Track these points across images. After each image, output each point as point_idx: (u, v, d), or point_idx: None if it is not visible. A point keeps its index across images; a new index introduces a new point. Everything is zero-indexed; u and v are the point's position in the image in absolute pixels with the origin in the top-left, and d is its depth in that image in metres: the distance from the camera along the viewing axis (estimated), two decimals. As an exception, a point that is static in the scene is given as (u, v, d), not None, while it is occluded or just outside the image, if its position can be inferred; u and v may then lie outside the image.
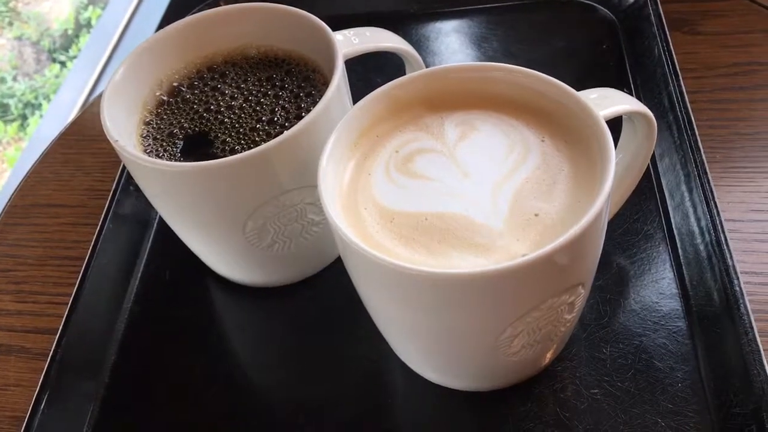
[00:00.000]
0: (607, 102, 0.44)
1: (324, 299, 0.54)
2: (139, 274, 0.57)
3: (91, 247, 0.56)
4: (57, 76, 1.82)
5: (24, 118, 1.79)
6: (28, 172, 0.67)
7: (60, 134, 0.70)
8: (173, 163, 0.44)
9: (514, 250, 0.38)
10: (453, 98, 0.46)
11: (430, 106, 0.46)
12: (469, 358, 0.44)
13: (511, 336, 0.40)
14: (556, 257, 0.36)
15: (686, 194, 0.52)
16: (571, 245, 0.36)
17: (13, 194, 0.65)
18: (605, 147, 0.40)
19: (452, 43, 0.70)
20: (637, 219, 0.53)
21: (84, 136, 0.69)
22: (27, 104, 1.82)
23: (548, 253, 0.36)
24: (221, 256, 0.52)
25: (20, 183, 0.66)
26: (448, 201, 0.41)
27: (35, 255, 0.60)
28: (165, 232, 0.55)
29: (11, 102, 1.80)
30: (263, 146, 0.43)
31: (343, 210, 0.42)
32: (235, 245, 0.49)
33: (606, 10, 0.69)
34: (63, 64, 1.83)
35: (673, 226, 0.52)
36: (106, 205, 0.59)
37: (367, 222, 0.41)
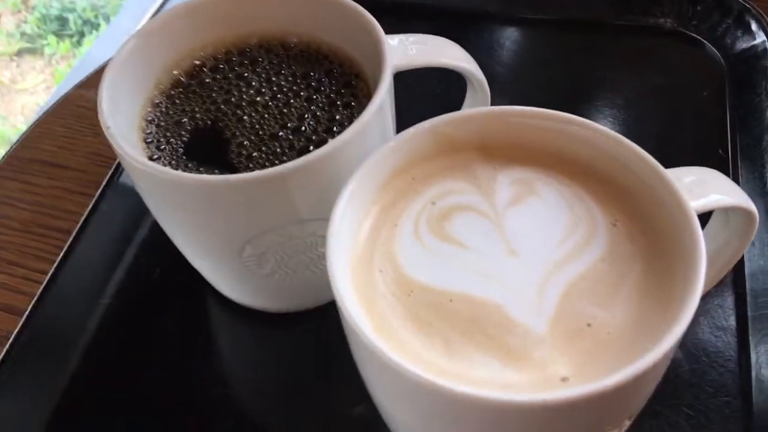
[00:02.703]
0: (702, 189, 0.35)
1: (322, 335, 0.46)
2: (126, 266, 0.50)
3: (78, 226, 0.50)
4: (120, -3, 1.76)
5: (81, 35, 1.75)
6: (38, 120, 0.61)
7: (81, 82, 0.64)
8: (166, 169, 0.37)
9: (553, 370, 0.30)
10: (514, 148, 0.37)
11: (485, 152, 0.38)
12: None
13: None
14: (608, 396, 0.28)
15: (773, 299, 0.43)
16: (630, 383, 0.28)
17: (15, 144, 0.59)
18: (693, 251, 0.31)
19: (527, 56, 0.61)
20: (708, 318, 0.44)
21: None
22: (86, 22, 1.77)
23: (598, 391, 0.28)
24: (214, 271, 0.45)
25: (26, 132, 0.60)
26: (483, 282, 0.33)
27: (21, 218, 0.54)
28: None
29: (71, 17, 1.76)
30: (273, 169, 0.36)
31: (354, 269, 0.34)
32: (229, 266, 0.42)
33: (715, 50, 0.58)
34: (129, -16, 1.77)
35: (750, 338, 0.43)
36: (105, 180, 0.52)
37: (379, 290, 0.33)
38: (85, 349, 0.47)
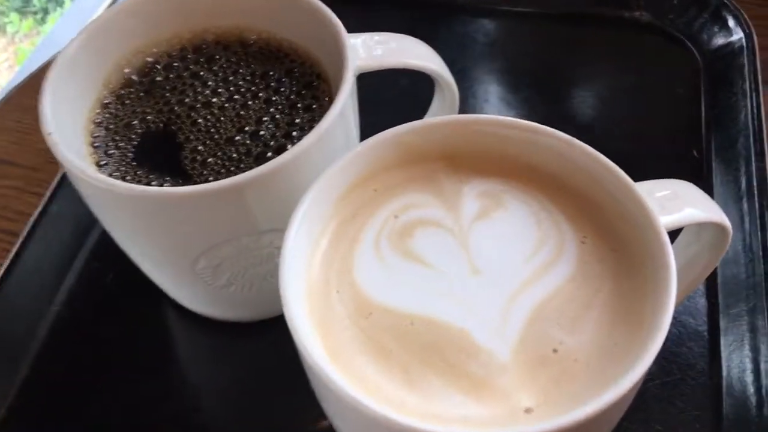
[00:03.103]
0: (674, 204, 0.34)
1: (283, 345, 0.44)
2: (78, 271, 0.48)
3: (27, 228, 0.47)
4: (86, -26, 1.70)
5: (45, 13, 1.69)
6: (-14, 114, 0.58)
7: (32, 74, 0.61)
8: (112, 181, 0.34)
9: (516, 400, 0.29)
10: (480, 158, 0.36)
11: (450, 162, 0.36)
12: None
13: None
14: (574, 429, 0.27)
15: (745, 313, 0.42)
16: (599, 415, 0.27)
17: (-38, 138, 0.56)
18: (664, 272, 0.30)
19: (500, 51, 0.59)
20: (680, 333, 0.43)
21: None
22: (51, -2, 1.71)
23: (564, 426, 0.26)
24: (168, 282, 0.43)
25: (-26, 126, 0.57)
26: (445, 304, 0.31)
27: (-32, 220, 0.51)
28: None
29: (35, -7, 1.70)
30: (228, 180, 0.34)
31: (310, 290, 0.32)
32: (183, 278, 0.40)
33: (692, 47, 0.57)
34: (94, -40, 1.71)
35: (722, 349, 0.42)
36: (57, 180, 0.50)
37: (336, 313, 0.31)
38: (35, 358, 0.44)
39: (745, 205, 0.46)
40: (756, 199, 0.46)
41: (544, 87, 0.56)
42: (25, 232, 0.48)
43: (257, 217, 0.36)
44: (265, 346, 0.45)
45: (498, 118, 0.35)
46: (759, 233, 0.44)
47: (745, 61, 0.53)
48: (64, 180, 0.50)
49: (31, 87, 0.59)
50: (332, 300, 0.32)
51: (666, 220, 0.32)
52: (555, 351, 0.30)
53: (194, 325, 0.46)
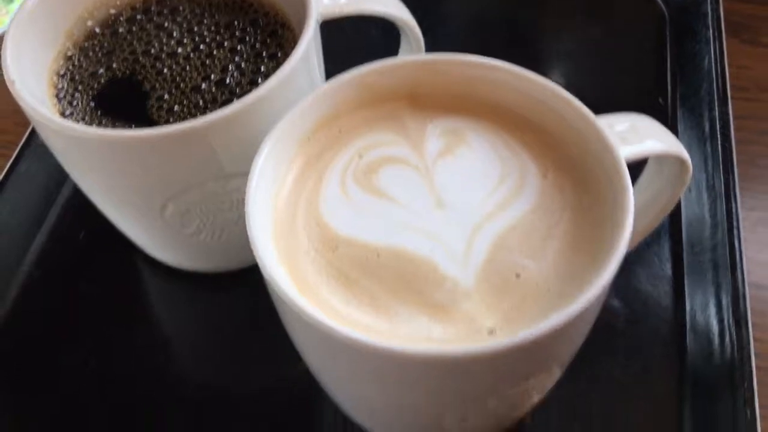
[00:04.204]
0: (635, 137, 0.34)
1: (257, 295, 0.45)
2: (49, 229, 0.48)
3: (-2, 181, 0.47)
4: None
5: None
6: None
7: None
8: (75, 125, 0.34)
9: (480, 323, 0.29)
10: (444, 97, 0.36)
11: (414, 102, 0.36)
12: (407, 429, 0.36)
13: (461, 417, 0.32)
14: (533, 346, 0.27)
15: (708, 250, 0.43)
16: (556, 332, 0.28)
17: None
18: (621, 199, 0.31)
19: (465, 12, 0.59)
20: (644, 268, 0.44)
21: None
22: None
23: (523, 341, 0.27)
24: (139, 233, 0.43)
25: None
26: (411, 236, 0.32)
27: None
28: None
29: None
30: (192, 122, 0.34)
31: (276, 226, 0.32)
32: (153, 227, 0.40)
33: (659, 1, 0.57)
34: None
35: (685, 286, 0.43)
36: (24, 138, 0.50)
37: (302, 248, 0.32)
38: (6, 321, 0.44)
39: (709, 148, 0.47)
40: (719, 141, 0.47)
41: (509, 40, 0.56)
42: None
43: (222, 161, 0.36)
44: (238, 296, 0.45)
45: (461, 56, 0.35)
46: (722, 174, 0.45)
47: (709, 10, 0.54)
48: (31, 140, 0.50)
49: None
50: (299, 235, 0.32)
51: (626, 151, 0.33)
52: (517, 276, 0.31)
53: (168, 278, 0.46)
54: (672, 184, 0.38)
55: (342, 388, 0.34)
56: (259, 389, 0.42)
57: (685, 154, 0.36)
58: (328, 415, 0.40)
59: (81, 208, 0.48)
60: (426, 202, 0.33)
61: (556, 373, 0.33)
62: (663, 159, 0.38)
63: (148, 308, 0.46)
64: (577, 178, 0.33)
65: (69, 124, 0.35)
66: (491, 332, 0.29)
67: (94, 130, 0.34)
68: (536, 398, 0.35)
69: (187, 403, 0.41)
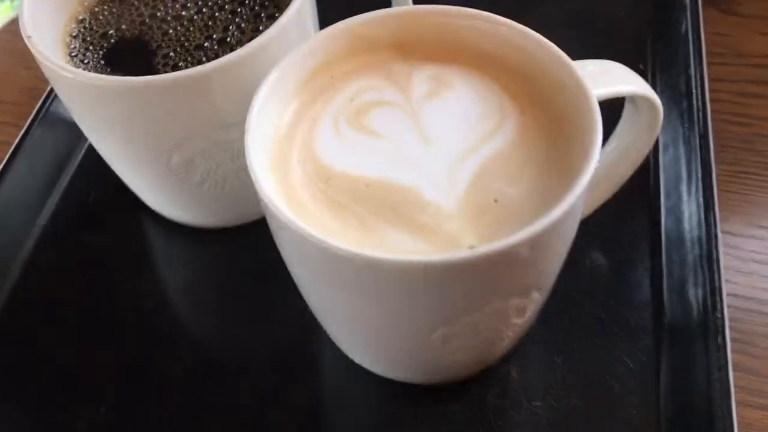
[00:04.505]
0: (606, 78, 0.37)
1: (260, 250, 0.47)
2: (62, 190, 0.51)
3: (12, 149, 0.50)
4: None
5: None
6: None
7: (9, 21, 0.63)
8: (86, 72, 0.37)
9: (460, 241, 0.32)
10: (429, 46, 0.39)
11: (401, 51, 0.39)
12: (397, 350, 0.38)
13: (445, 336, 0.34)
14: (504, 256, 0.30)
15: (684, 195, 0.46)
16: (530, 243, 0.30)
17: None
18: (591, 129, 0.33)
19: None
20: (624, 216, 0.47)
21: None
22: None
23: (496, 251, 0.29)
24: (146, 185, 0.46)
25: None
26: (397, 168, 0.34)
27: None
28: (99, 148, 0.48)
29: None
30: (195, 68, 0.37)
31: (273, 159, 0.35)
32: (160, 177, 0.43)
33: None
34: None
35: (662, 231, 0.46)
36: (38, 105, 0.52)
37: (297, 178, 0.34)
38: (23, 268, 0.47)
39: (685, 104, 0.49)
40: (694, 98, 0.49)
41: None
42: (6, 157, 0.50)
43: (223, 108, 0.39)
44: (239, 251, 0.48)
45: (446, 7, 0.38)
46: (696, 126, 0.48)
47: (686, -20, 0.56)
48: (45, 107, 0.53)
49: (10, 31, 0.62)
50: (294, 168, 0.35)
51: (596, 89, 0.35)
52: (496, 201, 0.33)
53: (173, 233, 0.49)
54: (647, 129, 0.41)
55: (333, 311, 0.37)
56: (259, 342, 0.44)
57: (654, 95, 0.38)
58: (330, 360, 0.43)
59: (94, 172, 0.51)
60: (412, 139, 0.35)
61: (536, 298, 0.36)
62: (637, 106, 0.40)
63: (152, 260, 0.49)
64: (552, 115, 0.36)
65: (81, 71, 0.37)
66: (471, 247, 0.31)
67: (105, 77, 0.37)
68: (517, 328, 0.38)
69: (187, 350, 0.44)
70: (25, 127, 0.52)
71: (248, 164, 0.32)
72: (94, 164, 0.51)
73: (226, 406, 0.41)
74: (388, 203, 0.33)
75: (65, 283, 0.47)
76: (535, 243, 0.30)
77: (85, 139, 0.53)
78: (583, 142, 0.33)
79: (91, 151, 0.52)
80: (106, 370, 0.43)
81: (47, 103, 0.53)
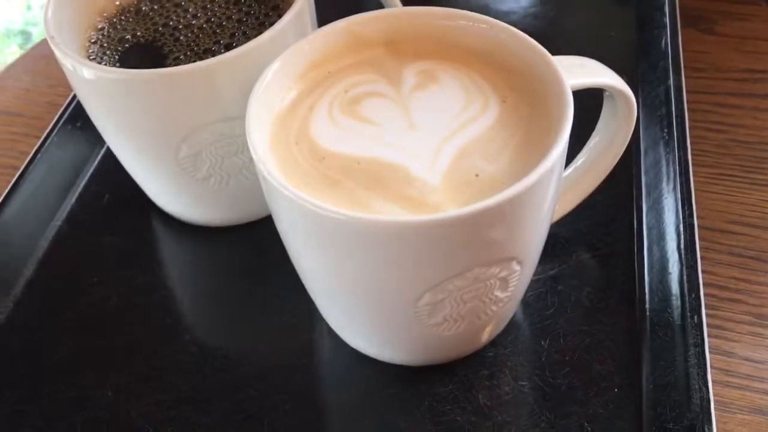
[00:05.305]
0: (580, 71, 0.40)
1: (263, 247, 0.50)
2: (77, 193, 0.54)
3: (31, 155, 0.53)
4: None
5: None
6: (-6, 77, 0.65)
7: (32, 46, 0.67)
8: (99, 65, 0.41)
9: (444, 209, 0.34)
10: (420, 44, 0.42)
11: (393, 49, 0.42)
12: (387, 322, 0.40)
13: (431, 303, 0.37)
14: (482, 218, 0.32)
15: (665, 193, 0.48)
16: (502, 207, 0.33)
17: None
18: (564, 113, 0.36)
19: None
20: (608, 212, 0.49)
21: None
22: None
23: (472, 212, 0.32)
24: (156, 182, 0.49)
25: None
26: (387, 148, 0.37)
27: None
28: (114, 155, 0.51)
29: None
30: (202, 62, 0.40)
31: (272, 139, 0.38)
32: (169, 172, 0.46)
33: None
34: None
35: (644, 225, 0.48)
36: (57, 115, 0.56)
37: (294, 156, 0.37)
38: (39, 264, 0.50)
39: (664, 110, 0.52)
40: (672, 105, 0.52)
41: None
42: (27, 160, 0.53)
43: (227, 102, 0.42)
44: (244, 248, 0.50)
45: (435, 9, 0.42)
46: (674, 131, 0.51)
47: (665, 1, 0.60)
48: (66, 116, 0.57)
49: (32, 57, 0.66)
50: (291, 149, 0.38)
51: (572, 81, 0.38)
52: (477, 176, 0.36)
53: (181, 232, 0.51)
54: (625, 121, 0.43)
55: (323, 278, 0.39)
56: (261, 334, 0.46)
57: (626, 89, 0.41)
58: (328, 348, 0.45)
59: (108, 176, 0.54)
60: (401, 124, 0.38)
61: (516, 270, 0.38)
62: (615, 101, 0.43)
63: (161, 258, 0.51)
64: (531, 101, 0.39)
65: (96, 65, 0.41)
66: (450, 213, 0.34)
67: (120, 69, 0.40)
68: (501, 304, 0.40)
69: (192, 342, 0.46)
70: (43, 137, 0.55)
71: (247, 137, 0.35)
72: (108, 170, 0.55)
73: (229, 390, 0.43)
74: (378, 179, 0.36)
75: (76, 279, 0.49)
76: (507, 209, 0.33)
77: (100, 147, 0.56)
78: (558, 123, 0.36)
79: (105, 157, 0.56)
80: (118, 365, 0.45)
81: (66, 114, 0.56)
